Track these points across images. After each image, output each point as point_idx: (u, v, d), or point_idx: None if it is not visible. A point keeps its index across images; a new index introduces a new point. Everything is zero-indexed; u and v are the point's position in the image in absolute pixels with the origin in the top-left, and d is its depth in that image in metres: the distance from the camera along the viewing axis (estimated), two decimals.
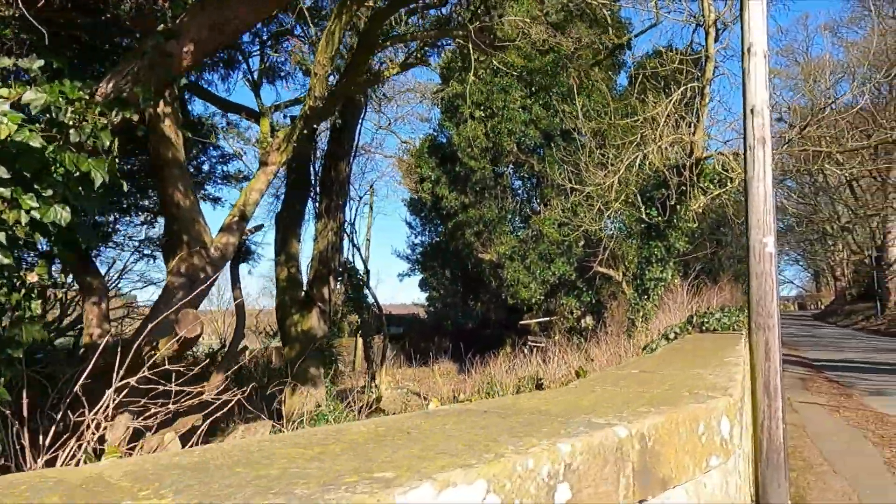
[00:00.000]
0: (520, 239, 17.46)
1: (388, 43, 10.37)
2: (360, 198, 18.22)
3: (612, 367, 7.34)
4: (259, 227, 12.23)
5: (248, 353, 11.21)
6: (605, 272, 14.57)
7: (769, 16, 5.65)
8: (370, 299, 15.43)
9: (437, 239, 23.85)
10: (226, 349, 11.21)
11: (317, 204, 13.25)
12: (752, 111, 5.56)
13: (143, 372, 3.48)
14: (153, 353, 4.90)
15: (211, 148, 12.47)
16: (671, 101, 11.07)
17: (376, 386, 15.01)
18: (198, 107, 14.19)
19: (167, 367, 3.87)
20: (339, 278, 13.40)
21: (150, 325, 4.91)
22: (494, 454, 1.14)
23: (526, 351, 14.78)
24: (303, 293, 12.44)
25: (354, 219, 21.53)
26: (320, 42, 8.35)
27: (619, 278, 14.27)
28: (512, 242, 17.46)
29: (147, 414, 3.68)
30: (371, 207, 25.64)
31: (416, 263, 27.87)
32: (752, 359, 5.24)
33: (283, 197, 13.51)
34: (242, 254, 16.11)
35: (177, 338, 5.62)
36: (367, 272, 15.45)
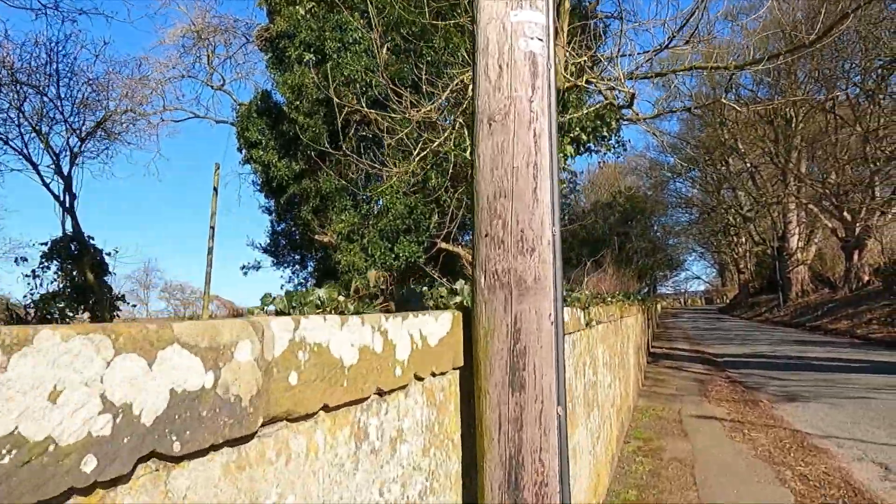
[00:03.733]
0: (362, 215, 13.82)
1: None
2: (84, 138, 13.79)
3: None
4: None
5: None
6: (453, 250, 11.15)
7: None
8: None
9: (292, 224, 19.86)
10: None
11: None
12: None
13: None
14: None
15: None
16: None
17: None
18: None
19: None
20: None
21: None
22: None
23: None
24: None
25: (70, 170, 15.19)
26: None
27: (467, 256, 10.85)
28: (352, 219, 13.79)
29: None
30: (216, 189, 21.32)
31: (278, 255, 23.78)
32: (480, 396, 1.68)
33: None
34: None
35: None
36: (97, 251, 11.12)
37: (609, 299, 7.74)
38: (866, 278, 31.90)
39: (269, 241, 22.58)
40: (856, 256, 32.90)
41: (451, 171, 13.66)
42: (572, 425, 3.81)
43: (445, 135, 8.27)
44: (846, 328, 23.94)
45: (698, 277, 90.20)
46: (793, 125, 36.20)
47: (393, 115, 8.90)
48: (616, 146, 11.51)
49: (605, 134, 10.92)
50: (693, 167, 48.26)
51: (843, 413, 8.28)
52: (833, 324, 25.93)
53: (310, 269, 21.54)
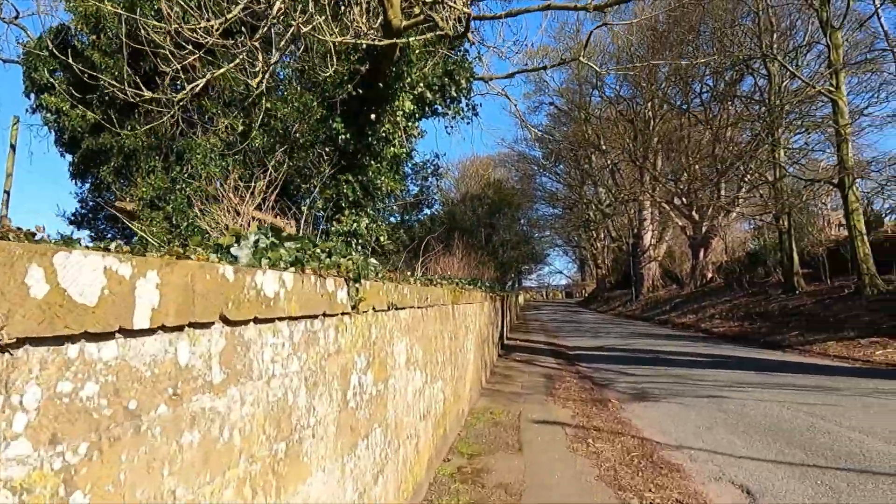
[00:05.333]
0: (173, 178, 11.49)
1: None
2: None
3: None
4: None
5: None
6: (274, 223, 9.27)
7: None
8: None
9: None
10: None
11: None
12: None
13: None
14: None
15: None
16: None
17: None
18: None
19: None
20: None
21: None
22: None
23: None
24: None
25: None
26: None
27: (292, 229, 9.01)
28: (160, 183, 11.43)
29: None
30: (13, 146, 17.66)
31: (94, 228, 20.29)
32: None
33: None
34: None
35: None
36: None
37: (438, 281, 6.26)
38: (710, 275, 33.51)
39: (80, 210, 19.16)
40: (702, 254, 34.52)
41: (280, 129, 11.68)
42: (299, 475, 2.18)
43: (234, 63, 6.36)
44: (692, 322, 24.61)
45: (560, 272, 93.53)
46: (651, 126, 37.43)
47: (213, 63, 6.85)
48: (466, 111, 10.14)
49: (455, 94, 9.52)
50: (558, 162, 49.13)
51: (695, 415, 7.39)
52: (680, 318, 26.69)
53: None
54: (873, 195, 23.50)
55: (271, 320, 2.00)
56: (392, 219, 26.32)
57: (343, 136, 8.63)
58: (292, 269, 2.35)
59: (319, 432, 2.43)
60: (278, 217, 9.48)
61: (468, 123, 10.28)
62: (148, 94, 6.38)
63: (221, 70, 6.54)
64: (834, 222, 28.92)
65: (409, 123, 9.13)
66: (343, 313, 2.75)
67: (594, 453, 5.77)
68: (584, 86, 42.27)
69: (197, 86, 6.61)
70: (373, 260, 3.53)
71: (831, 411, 7.18)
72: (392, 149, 8.94)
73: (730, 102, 27.83)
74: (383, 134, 8.75)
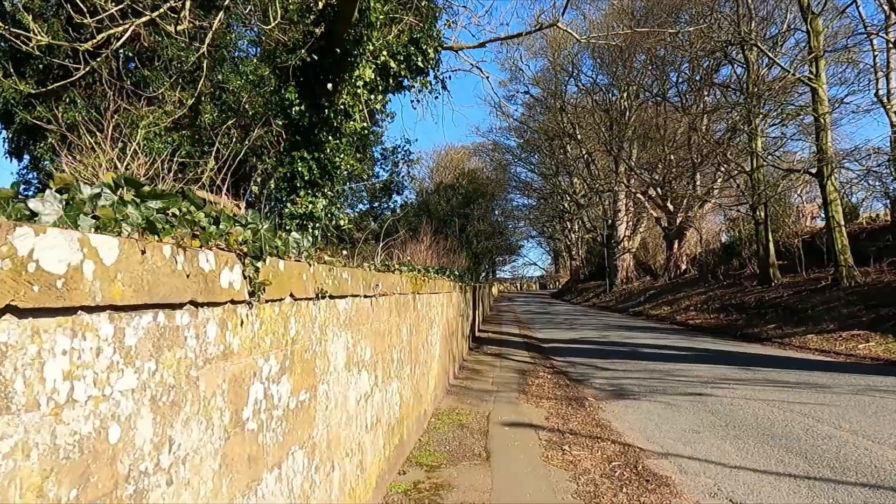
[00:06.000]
0: (115, 156, 10.59)
1: None
2: None
3: None
4: None
5: None
6: (223, 203, 8.44)
7: None
8: None
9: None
10: None
11: None
12: None
13: None
14: None
15: None
16: None
17: None
18: None
19: None
20: None
21: None
22: None
23: None
24: None
25: None
26: None
27: (237, 211, 8.17)
28: (102, 161, 10.51)
29: None
30: None
31: None
32: None
33: None
34: None
35: None
36: None
37: (397, 267, 5.50)
38: (684, 267, 33.23)
39: (24, 191, 17.88)
40: (676, 246, 34.22)
41: (233, 103, 10.77)
42: None
43: (159, 12, 5.49)
44: (667, 314, 24.20)
45: (534, 263, 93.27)
46: (626, 115, 37.00)
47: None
48: (434, 84, 9.32)
49: (421, 65, 8.72)
50: (533, 151, 48.62)
51: (679, 416, 6.76)
52: (654, 309, 26.30)
53: None
54: (850, 186, 23.29)
55: (66, 311, 1.23)
56: (361, 206, 25.42)
57: (297, 108, 7.79)
58: (137, 236, 1.59)
59: (183, 475, 1.66)
60: (227, 196, 8.61)
61: (436, 98, 9.52)
62: (45, 39, 5.50)
63: (143, 18, 5.67)
64: (808, 214, 28.76)
65: (372, 97, 8.33)
66: (234, 301, 1.98)
67: (571, 463, 5.08)
68: (559, 74, 41.70)
69: (113, 36, 5.74)
70: (295, 234, 2.76)
71: (827, 412, 6.60)
72: (353, 123, 8.12)
73: (706, 91, 27.43)
74: (342, 106, 7.93)
